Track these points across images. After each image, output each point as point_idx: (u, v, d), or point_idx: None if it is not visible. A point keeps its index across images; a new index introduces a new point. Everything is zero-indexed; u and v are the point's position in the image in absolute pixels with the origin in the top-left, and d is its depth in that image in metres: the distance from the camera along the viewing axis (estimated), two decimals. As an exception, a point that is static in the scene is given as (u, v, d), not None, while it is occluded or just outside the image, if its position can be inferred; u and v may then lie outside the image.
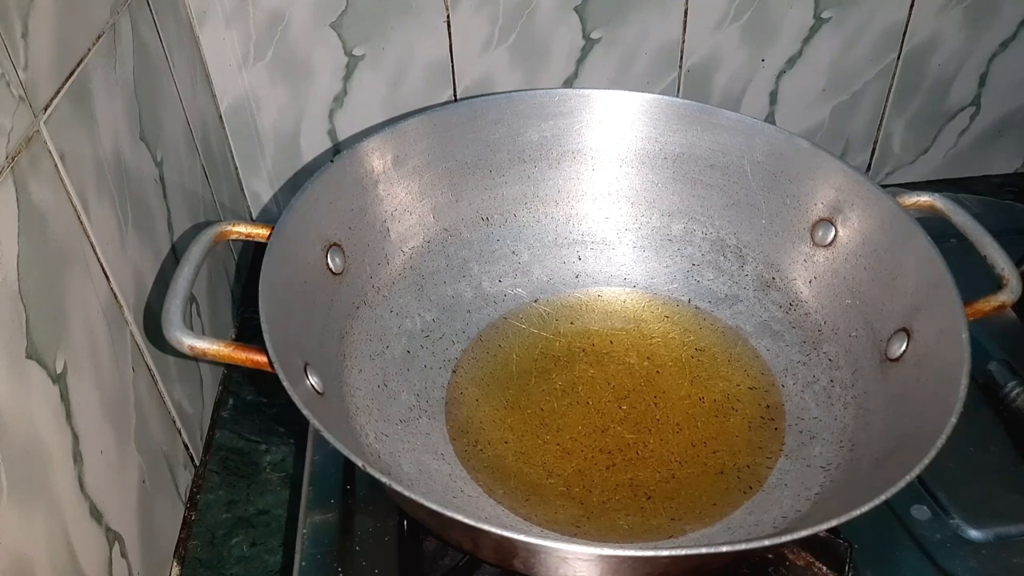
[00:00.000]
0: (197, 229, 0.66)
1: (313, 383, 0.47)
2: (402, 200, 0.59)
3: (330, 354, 0.53)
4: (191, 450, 0.62)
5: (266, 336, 0.44)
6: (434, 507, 0.38)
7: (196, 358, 0.48)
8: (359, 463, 0.40)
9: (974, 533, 0.51)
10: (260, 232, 0.51)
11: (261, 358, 0.44)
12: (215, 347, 0.44)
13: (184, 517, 0.60)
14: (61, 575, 0.43)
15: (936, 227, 0.53)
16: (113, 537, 0.48)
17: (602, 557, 0.39)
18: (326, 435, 0.40)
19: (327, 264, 0.54)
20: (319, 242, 0.53)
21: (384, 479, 0.39)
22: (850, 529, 0.38)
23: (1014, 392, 0.58)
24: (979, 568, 0.50)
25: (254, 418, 0.67)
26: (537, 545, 0.39)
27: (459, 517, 0.37)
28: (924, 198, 0.56)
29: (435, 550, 0.52)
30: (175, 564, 0.57)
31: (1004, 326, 0.46)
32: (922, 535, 0.51)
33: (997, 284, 0.50)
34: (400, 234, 0.60)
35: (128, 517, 0.51)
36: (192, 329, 0.46)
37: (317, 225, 0.53)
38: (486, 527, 0.37)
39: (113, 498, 0.49)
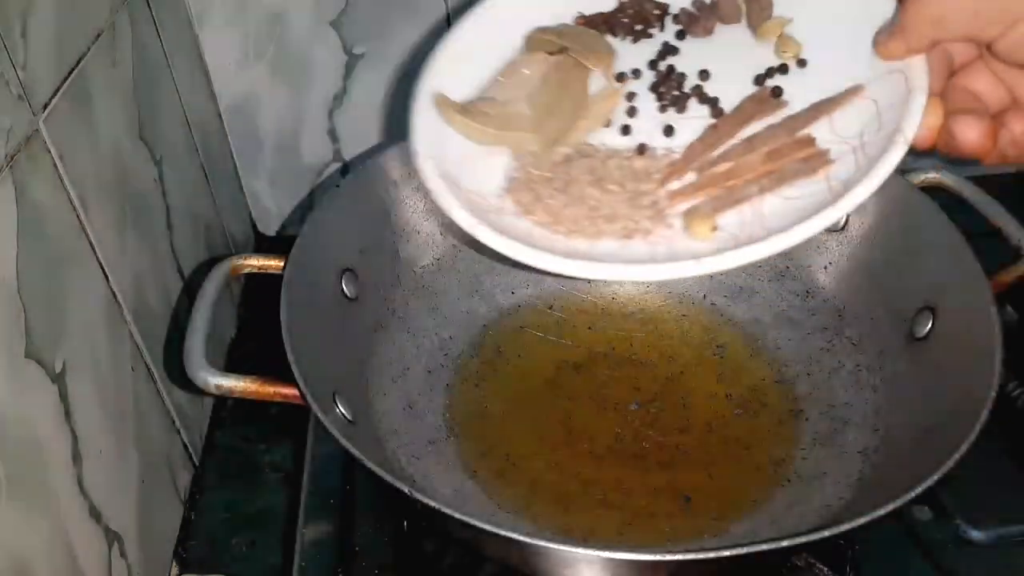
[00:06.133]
0: (197, 228, 0.66)
1: (343, 412, 0.47)
2: (409, 219, 0.59)
3: (354, 381, 0.53)
4: (191, 450, 0.62)
5: (295, 370, 0.44)
6: (494, 530, 0.39)
7: (222, 396, 0.48)
8: (406, 490, 0.40)
9: (976, 534, 0.51)
10: (273, 264, 0.51)
11: (290, 391, 0.44)
12: (242, 384, 0.45)
13: (184, 517, 0.60)
14: (60, 575, 0.42)
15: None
16: (112, 537, 0.48)
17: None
18: (371, 466, 0.40)
19: (342, 290, 0.54)
20: (333, 269, 0.54)
21: (434, 504, 0.39)
22: (851, 530, 0.38)
23: (1015, 392, 0.58)
24: (981, 569, 0.50)
25: (254, 418, 0.67)
26: (621, 559, 0.40)
27: (520, 537, 0.38)
28: (932, 175, 0.56)
29: (435, 550, 0.52)
30: (175, 564, 0.57)
31: (1004, 325, 0.46)
32: (924, 536, 0.51)
33: (1015, 255, 0.51)
34: (410, 254, 0.60)
35: (127, 517, 0.51)
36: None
37: (329, 252, 0.54)
38: (543, 543, 0.39)
39: (112, 498, 0.49)
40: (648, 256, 0.39)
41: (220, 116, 0.74)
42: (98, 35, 0.51)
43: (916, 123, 0.37)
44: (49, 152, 0.44)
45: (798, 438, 0.54)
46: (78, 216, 0.47)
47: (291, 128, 0.76)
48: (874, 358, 0.55)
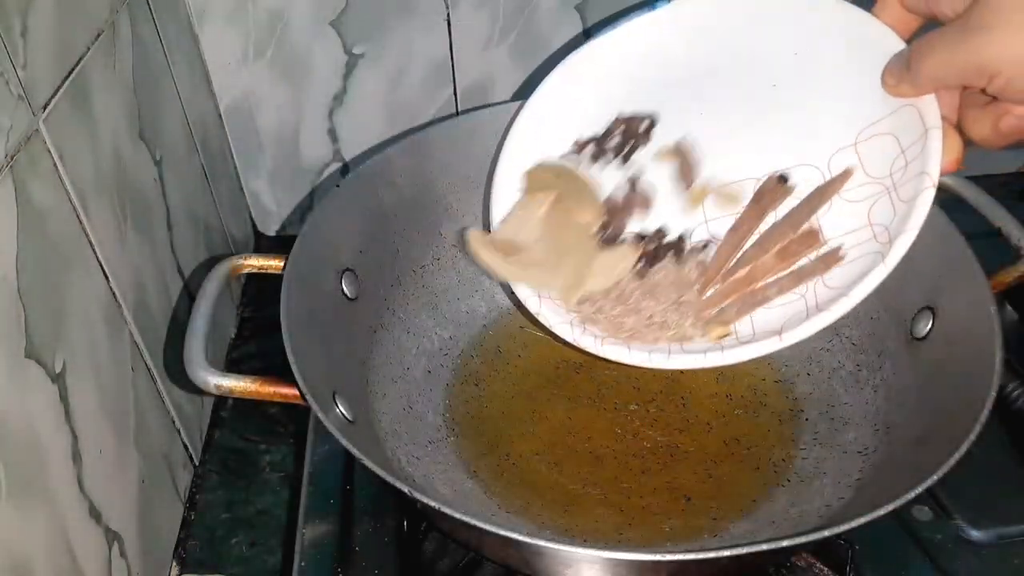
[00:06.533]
0: (197, 227, 0.66)
1: (343, 412, 0.47)
2: (409, 219, 0.59)
3: (353, 381, 0.53)
4: (190, 450, 0.62)
5: (295, 369, 0.44)
6: (494, 530, 0.39)
7: (222, 396, 0.48)
8: (406, 490, 0.40)
9: (976, 534, 0.51)
10: (273, 264, 0.51)
11: (290, 391, 0.44)
12: (242, 384, 0.45)
13: (184, 517, 0.60)
14: (60, 575, 0.43)
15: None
16: (112, 537, 0.48)
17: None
18: (370, 466, 0.40)
19: (342, 290, 0.54)
20: (332, 269, 0.53)
21: (434, 504, 0.39)
22: (851, 530, 0.38)
23: (1015, 393, 0.58)
24: (981, 569, 0.50)
25: (253, 418, 0.67)
26: (616, 559, 0.40)
27: (520, 537, 0.38)
28: None
29: (435, 550, 0.52)
30: (175, 564, 0.57)
31: (1004, 325, 0.46)
32: (923, 536, 0.51)
33: (1015, 255, 0.51)
34: (409, 253, 0.60)
35: (127, 517, 0.51)
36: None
37: (329, 252, 0.54)
38: (543, 543, 0.39)
39: (112, 498, 0.49)
40: (709, 346, 0.45)
41: (220, 116, 0.74)
42: (98, 35, 0.51)
43: (938, 163, 0.41)
44: (49, 152, 0.44)
45: (798, 438, 0.54)
46: (78, 216, 0.47)
47: (291, 128, 0.76)
48: (874, 358, 0.55)
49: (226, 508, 0.61)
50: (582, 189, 0.52)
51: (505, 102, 0.61)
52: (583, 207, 0.51)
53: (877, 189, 0.43)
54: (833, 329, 0.58)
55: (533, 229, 0.51)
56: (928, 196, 0.41)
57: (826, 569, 0.49)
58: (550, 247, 0.50)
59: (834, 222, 0.45)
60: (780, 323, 0.44)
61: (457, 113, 0.77)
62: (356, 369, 0.54)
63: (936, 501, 0.53)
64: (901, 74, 0.41)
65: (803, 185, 0.46)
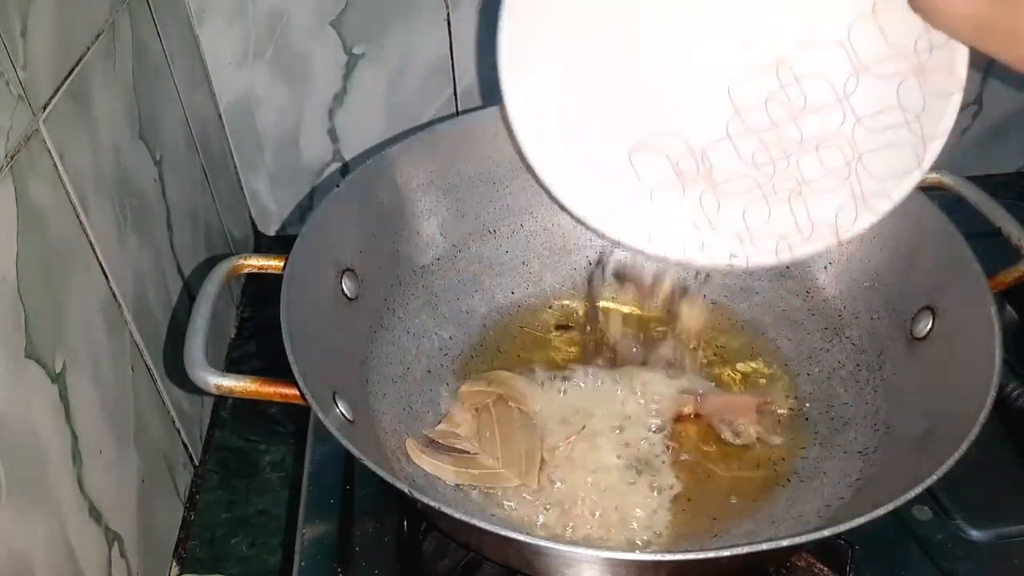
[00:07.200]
0: (197, 227, 0.66)
1: (343, 411, 0.47)
2: (408, 219, 0.59)
3: (353, 381, 0.53)
4: (190, 450, 0.62)
5: (295, 370, 0.44)
6: (494, 530, 0.39)
7: (222, 396, 0.48)
8: (406, 490, 0.40)
9: (976, 533, 0.51)
10: (273, 264, 0.51)
11: (290, 391, 0.44)
12: (242, 384, 0.45)
13: (183, 517, 0.60)
14: (60, 575, 0.43)
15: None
16: (112, 537, 0.48)
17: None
18: (371, 466, 0.40)
19: (342, 290, 0.54)
20: (332, 269, 0.53)
21: (434, 504, 0.39)
22: (851, 530, 0.38)
23: (1015, 393, 0.58)
24: (981, 569, 0.50)
25: (253, 418, 0.67)
26: (610, 559, 0.41)
27: (520, 537, 0.38)
28: (932, 175, 0.56)
29: (435, 550, 0.52)
30: (174, 564, 0.57)
31: (1004, 325, 0.46)
32: (924, 536, 0.51)
33: (1015, 255, 0.50)
34: (409, 254, 0.60)
35: (127, 517, 0.51)
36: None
37: (329, 252, 0.54)
38: (543, 543, 0.40)
39: (112, 498, 0.49)
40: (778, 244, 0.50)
41: (220, 115, 0.74)
42: (98, 35, 0.51)
43: (966, 61, 0.41)
44: (49, 152, 0.44)
45: (798, 438, 0.54)
46: (78, 216, 0.47)
47: (291, 128, 0.76)
48: (874, 358, 0.55)
49: (226, 508, 0.61)
50: (515, 385, 0.56)
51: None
52: (525, 400, 0.55)
53: (902, 67, 0.43)
54: (833, 329, 0.58)
55: (471, 425, 0.54)
56: (956, 100, 0.42)
57: (826, 569, 0.49)
58: (499, 439, 0.52)
59: (864, 99, 0.46)
60: (833, 215, 0.48)
61: (457, 113, 0.77)
62: (356, 369, 0.54)
63: (936, 501, 0.53)
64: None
65: (827, 69, 0.46)
